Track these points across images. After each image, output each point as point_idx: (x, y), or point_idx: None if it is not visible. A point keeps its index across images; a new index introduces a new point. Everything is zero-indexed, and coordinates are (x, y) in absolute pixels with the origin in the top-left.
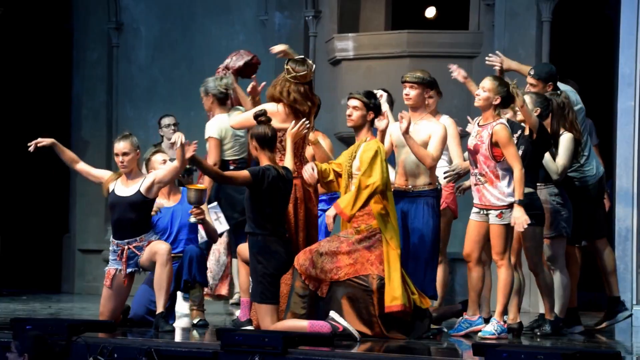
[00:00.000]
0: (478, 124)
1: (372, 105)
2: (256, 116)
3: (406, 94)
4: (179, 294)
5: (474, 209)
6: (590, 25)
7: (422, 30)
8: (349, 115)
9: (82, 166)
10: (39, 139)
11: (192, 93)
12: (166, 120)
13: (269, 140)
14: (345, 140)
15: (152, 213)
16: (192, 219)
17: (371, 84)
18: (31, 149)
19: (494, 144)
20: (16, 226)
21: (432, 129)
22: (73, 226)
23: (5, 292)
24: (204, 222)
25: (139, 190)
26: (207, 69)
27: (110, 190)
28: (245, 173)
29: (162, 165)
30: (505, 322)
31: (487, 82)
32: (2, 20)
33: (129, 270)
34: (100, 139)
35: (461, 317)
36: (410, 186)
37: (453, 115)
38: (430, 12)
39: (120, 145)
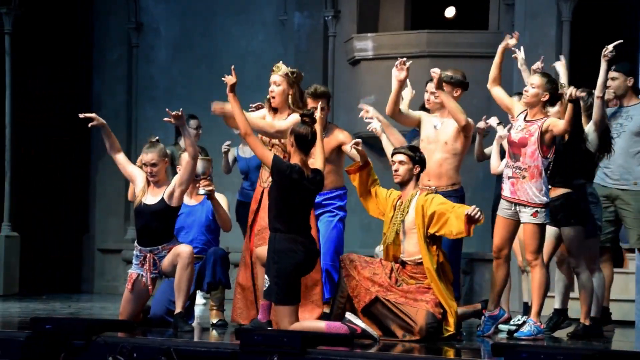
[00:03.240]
0: (525, 118)
1: (417, 159)
2: (302, 115)
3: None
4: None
5: (504, 204)
6: (610, 24)
7: (441, 30)
8: (396, 171)
9: (121, 157)
10: (93, 115)
11: (212, 93)
12: (191, 123)
13: (307, 143)
14: (365, 140)
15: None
16: (201, 190)
17: (390, 84)
18: (82, 116)
19: (543, 140)
20: (36, 226)
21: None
22: (93, 226)
23: (26, 291)
24: (212, 198)
25: (162, 198)
26: (227, 68)
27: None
28: (270, 155)
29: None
30: (541, 322)
31: (536, 79)
32: (22, 21)
33: (151, 276)
34: (120, 139)
35: (483, 317)
36: (433, 187)
37: (473, 114)
38: (450, 12)
39: (148, 157)
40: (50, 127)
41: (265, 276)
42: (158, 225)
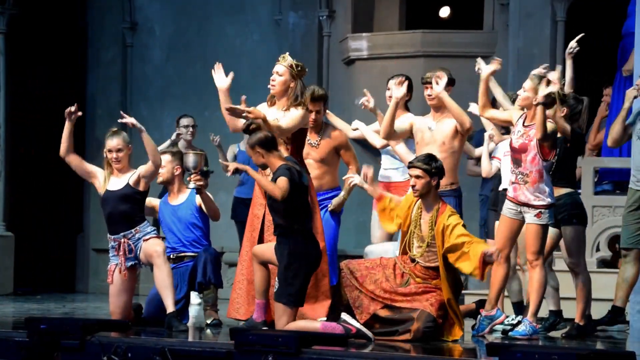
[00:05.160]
0: (523, 124)
1: (434, 170)
2: (247, 127)
3: (429, 95)
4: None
5: (509, 204)
6: (604, 24)
7: (436, 30)
8: (413, 186)
9: (74, 157)
10: (75, 110)
11: (206, 93)
12: (184, 121)
13: (272, 141)
14: (359, 141)
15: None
16: (191, 185)
17: (385, 84)
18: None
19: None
20: (31, 226)
21: (453, 121)
22: (87, 226)
23: (20, 291)
24: (202, 193)
25: (127, 183)
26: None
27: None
28: (285, 186)
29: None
30: (537, 322)
31: (528, 82)
32: (18, 20)
33: (128, 264)
34: None
35: (479, 316)
36: None
37: (468, 114)
38: (445, 11)
39: (114, 142)
40: (45, 126)
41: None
42: (126, 208)
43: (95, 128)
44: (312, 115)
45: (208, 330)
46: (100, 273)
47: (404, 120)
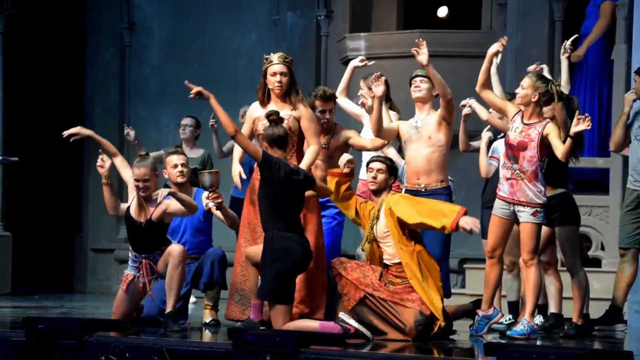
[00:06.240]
0: (522, 121)
1: (393, 170)
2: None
3: (417, 86)
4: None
5: (500, 204)
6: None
7: (434, 29)
8: (374, 178)
9: (117, 162)
10: (75, 131)
11: None
12: (183, 120)
13: (279, 140)
14: None
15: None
16: (211, 204)
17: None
18: (65, 134)
19: (543, 143)
20: (29, 225)
21: (437, 114)
22: (86, 225)
23: (18, 291)
24: (222, 208)
25: (150, 219)
26: (220, 68)
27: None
28: (259, 149)
29: (172, 170)
30: (535, 323)
31: (525, 80)
32: (16, 19)
33: (149, 278)
34: (113, 139)
35: (477, 317)
36: (422, 185)
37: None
38: (443, 11)
39: (141, 172)
40: (43, 126)
41: (259, 276)
42: (151, 238)
43: (93, 128)
44: (327, 115)
45: (206, 330)
46: (98, 273)
47: (391, 115)
